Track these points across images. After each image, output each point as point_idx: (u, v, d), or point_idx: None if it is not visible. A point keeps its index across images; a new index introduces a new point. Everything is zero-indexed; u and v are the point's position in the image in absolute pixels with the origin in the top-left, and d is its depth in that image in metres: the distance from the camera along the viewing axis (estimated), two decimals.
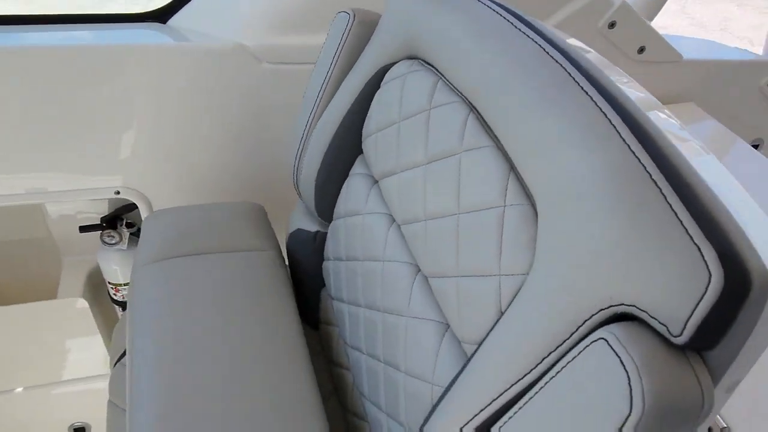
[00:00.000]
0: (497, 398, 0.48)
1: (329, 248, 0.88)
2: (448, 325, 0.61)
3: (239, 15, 1.08)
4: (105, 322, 1.36)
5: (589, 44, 1.24)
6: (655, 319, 0.39)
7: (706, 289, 0.37)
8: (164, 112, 1.09)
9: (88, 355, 1.35)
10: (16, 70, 1.00)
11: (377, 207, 0.75)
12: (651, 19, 1.39)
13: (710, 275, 0.37)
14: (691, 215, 0.40)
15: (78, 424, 1.48)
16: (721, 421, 0.76)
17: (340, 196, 0.85)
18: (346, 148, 0.83)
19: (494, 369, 0.48)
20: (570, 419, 0.42)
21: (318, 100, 0.85)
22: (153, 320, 0.77)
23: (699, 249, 0.38)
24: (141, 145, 1.10)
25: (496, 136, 0.57)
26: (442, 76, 0.66)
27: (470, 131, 0.59)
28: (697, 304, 0.37)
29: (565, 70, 0.53)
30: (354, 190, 0.81)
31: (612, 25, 1.25)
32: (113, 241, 1.24)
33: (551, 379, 0.44)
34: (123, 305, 1.33)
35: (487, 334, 0.52)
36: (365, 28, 0.80)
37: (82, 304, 1.26)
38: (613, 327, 0.40)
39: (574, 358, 0.42)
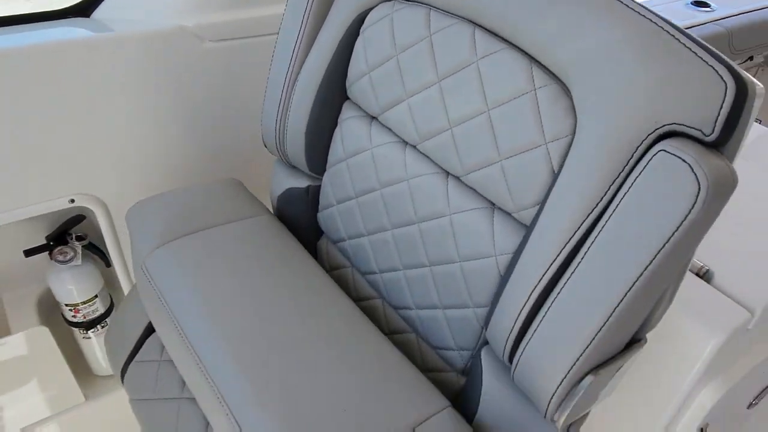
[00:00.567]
0: (574, 234, 0.57)
1: (329, 195, 0.92)
2: (493, 205, 0.69)
3: None
4: (65, 350, 1.27)
5: None
6: (692, 127, 0.52)
7: (725, 94, 0.50)
8: (110, 108, 1.04)
9: (59, 387, 1.26)
10: None
11: (384, 138, 0.81)
12: None
13: (726, 84, 0.50)
14: (701, 48, 0.53)
15: None
16: (698, 262, 0.91)
17: (333, 144, 0.89)
18: (331, 98, 0.87)
19: (567, 212, 0.58)
20: (644, 224, 0.52)
21: (293, 60, 0.88)
22: (193, 300, 0.77)
23: (714, 68, 0.51)
24: (90, 147, 1.05)
25: (507, 41, 0.65)
26: (432, 6, 0.73)
27: (481, 42, 0.67)
28: (722, 105, 0.50)
29: None
30: (350, 132, 0.86)
31: None
32: (67, 258, 1.16)
33: (621, 200, 0.54)
34: (85, 325, 1.25)
35: (547, 194, 0.61)
36: None
37: (44, 332, 1.17)
38: (663, 142, 0.52)
39: (639, 174, 0.53)
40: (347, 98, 0.87)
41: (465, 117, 0.68)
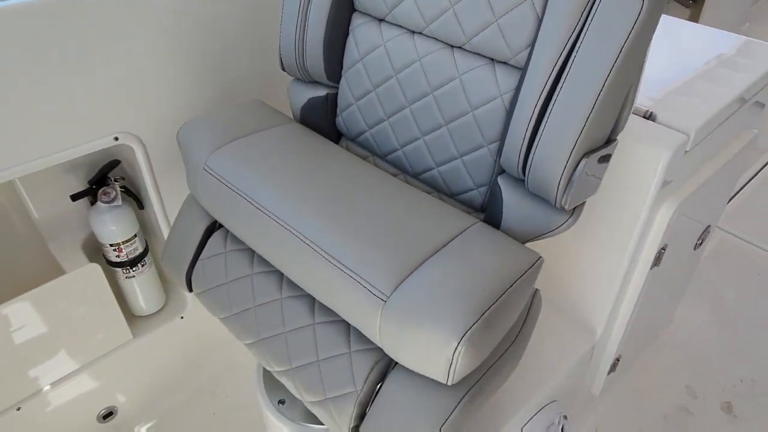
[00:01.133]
0: (559, 57, 0.77)
1: (348, 95, 1.09)
2: (493, 60, 0.89)
3: None
4: (112, 289, 1.38)
5: None
6: None
7: None
8: (145, 48, 1.17)
9: (109, 326, 1.37)
10: None
11: (394, 33, 0.99)
12: None
13: None
14: None
15: (104, 411, 1.48)
16: (643, 107, 1.14)
17: (347, 52, 1.07)
18: (342, 10, 1.04)
19: (553, 41, 0.77)
20: (607, 34, 0.71)
21: None
22: (262, 179, 0.93)
23: None
24: (128, 87, 1.18)
25: None
26: None
27: None
28: None
29: None
30: (362, 36, 1.03)
31: None
32: (111, 197, 1.28)
33: (590, 23, 0.73)
34: (128, 263, 1.37)
35: (536, 36, 0.80)
36: None
37: (96, 269, 1.29)
38: None
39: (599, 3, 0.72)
40: (355, 10, 1.05)
41: None
